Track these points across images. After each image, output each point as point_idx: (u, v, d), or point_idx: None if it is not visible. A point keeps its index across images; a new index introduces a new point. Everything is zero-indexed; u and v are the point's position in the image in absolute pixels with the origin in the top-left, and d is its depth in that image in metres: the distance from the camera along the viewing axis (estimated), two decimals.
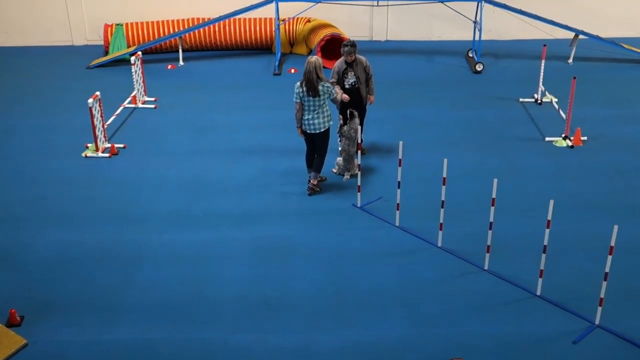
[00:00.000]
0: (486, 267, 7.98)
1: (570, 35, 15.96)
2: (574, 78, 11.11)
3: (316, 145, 9.64)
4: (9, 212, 9.44)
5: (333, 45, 15.28)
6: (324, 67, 15.11)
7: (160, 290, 7.72)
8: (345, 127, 10.03)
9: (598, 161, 10.72)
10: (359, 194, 9.43)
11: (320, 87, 9.21)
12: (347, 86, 10.39)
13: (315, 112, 9.37)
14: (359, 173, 9.35)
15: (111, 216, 9.29)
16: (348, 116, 10.01)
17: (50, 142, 11.70)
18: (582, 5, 17.56)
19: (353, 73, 10.34)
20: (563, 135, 11.41)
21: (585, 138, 11.38)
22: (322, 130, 9.48)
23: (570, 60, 15.92)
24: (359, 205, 9.43)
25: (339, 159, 10.31)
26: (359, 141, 9.37)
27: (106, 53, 16.68)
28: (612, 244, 6.61)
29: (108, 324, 7.19)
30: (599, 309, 6.98)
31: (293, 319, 7.24)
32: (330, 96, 9.38)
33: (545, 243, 7.25)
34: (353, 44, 10.24)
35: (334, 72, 10.42)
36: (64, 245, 8.59)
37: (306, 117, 9.40)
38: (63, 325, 7.15)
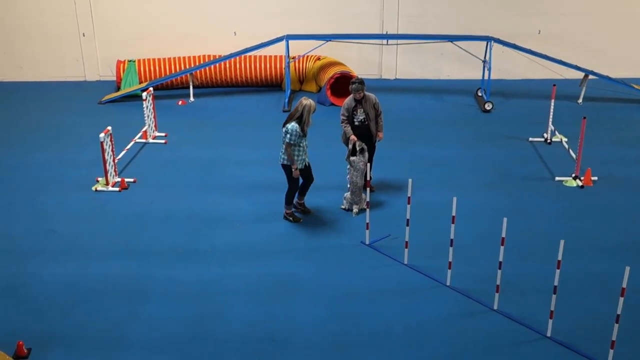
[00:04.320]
0: (495, 307, 7.90)
1: (580, 75, 16.02)
2: (584, 118, 11.11)
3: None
4: (18, 244, 9.45)
5: (342, 83, 15.38)
6: (332, 104, 15.26)
7: (165, 325, 7.66)
8: (354, 158, 10.05)
9: (608, 201, 10.66)
10: (367, 231, 9.39)
11: (287, 125, 9.54)
12: (356, 123, 10.43)
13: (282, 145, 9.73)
14: (368, 210, 9.32)
15: (119, 250, 9.28)
16: (357, 149, 10.05)
17: (62, 175, 11.76)
18: (591, 46, 17.66)
19: (362, 110, 10.39)
20: (573, 175, 11.38)
21: (595, 178, 11.34)
22: (280, 162, 9.81)
23: (580, 100, 15.95)
24: (367, 242, 9.39)
25: (347, 194, 10.30)
26: (368, 178, 9.36)
27: (118, 88, 16.84)
28: (624, 285, 6.53)
29: (112, 358, 7.12)
30: (611, 351, 6.88)
31: (299, 357, 7.16)
32: (286, 139, 9.52)
33: (556, 283, 7.17)
34: (361, 82, 10.31)
35: (343, 109, 10.48)
36: (72, 278, 8.57)
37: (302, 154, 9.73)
38: (69, 359, 7.10)
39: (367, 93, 10.46)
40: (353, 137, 10.30)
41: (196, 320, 7.76)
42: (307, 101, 9.49)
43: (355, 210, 10.17)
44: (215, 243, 9.46)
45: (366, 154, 10.15)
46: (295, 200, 10.20)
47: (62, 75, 18.19)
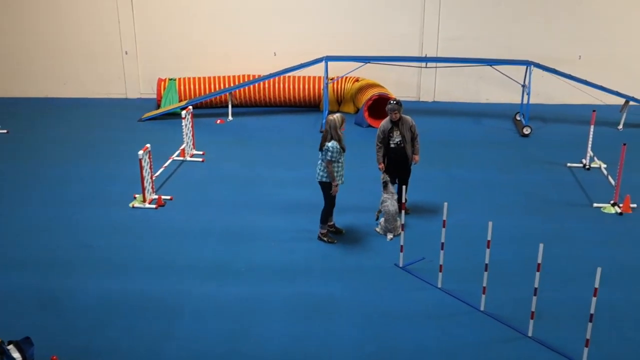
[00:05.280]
0: (530, 334, 7.81)
1: (621, 101, 15.84)
2: (624, 144, 10.98)
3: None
4: (56, 257, 9.61)
5: (380, 105, 15.41)
6: (370, 126, 15.29)
7: (199, 343, 7.71)
8: (384, 197, 10.14)
9: None
10: (401, 253, 9.37)
11: (327, 144, 9.55)
12: (392, 145, 10.45)
13: (319, 163, 9.73)
14: (402, 233, 9.30)
15: (155, 266, 9.38)
16: (383, 184, 10.16)
17: (101, 191, 11.95)
18: (633, 71, 17.46)
19: (399, 132, 10.41)
20: (612, 202, 11.23)
21: (634, 205, 11.17)
22: (318, 179, 9.80)
23: (621, 126, 15.76)
24: (401, 265, 9.37)
25: (381, 220, 10.31)
26: (403, 201, 9.35)
27: (158, 106, 17.08)
28: None
29: None
30: None
31: None
32: (327, 157, 9.55)
33: (592, 311, 7.07)
34: (398, 103, 10.34)
35: (379, 131, 10.51)
36: (108, 293, 8.68)
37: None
38: None
39: (404, 115, 10.48)
40: (381, 166, 10.42)
41: (230, 338, 7.80)
42: (331, 117, 9.60)
43: (390, 236, 10.16)
44: (250, 261, 9.52)
45: (390, 187, 10.22)
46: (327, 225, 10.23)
47: (104, 92, 18.52)
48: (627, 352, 7.54)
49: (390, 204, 10.13)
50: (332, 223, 10.26)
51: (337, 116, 9.62)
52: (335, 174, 9.63)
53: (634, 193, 11.36)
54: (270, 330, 7.94)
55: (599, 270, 6.87)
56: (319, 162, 9.71)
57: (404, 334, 7.88)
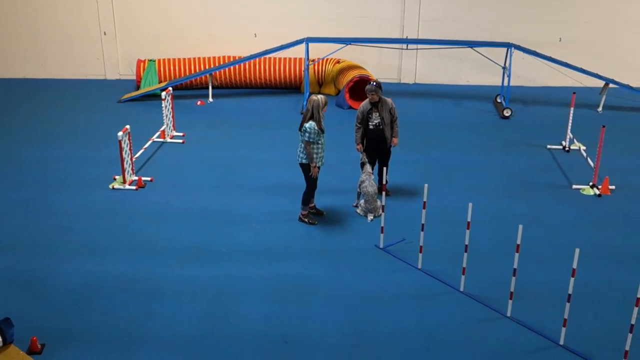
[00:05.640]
0: (509, 314, 7.87)
1: (600, 83, 15.93)
2: (604, 126, 11.05)
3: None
4: (35, 240, 9.54)
5: (361, 87, 15.39)
6: (351, 107, 15.27)
7: (180, 324, 7.70)
8: (363, 178, 10.15)
9: (626, 211, 10.59)
10: (381, 234, 9.40)
11: (304, 124, 9.53)
12: (371, 127, 10.44)
13: (300, 145, 9.72)
14: (383, 214, 9.32)
15: (135, 248, 9.34)
16: (360, 164, 10.23)
17: (80, 173, 11.86)
18: (612, 55, 17.57)
19: (378, 114, 10.40)
20: (591, 183, 11.32)
21: (613, 187, 11.27)
22: (298, 161, 9.79)
23: (600, 109, 15.86)
24: (381, 246, 9.39)
25: (362, 201, 10.32)
26: (384, 182, 9.36)
27: (138, 88, 16.96)
28: (639, 295, 6.49)
29: (126, 356, 7.17)
30: None
31: (311, 358, 7.17)
32: (305, 138, 9.53)
33: (570, 292, 7.13)
34: (377, 84, 10.32)
35: (358, 112, 10.50)
36: (87, 275, 8.64)
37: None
38: (82, 355, 7.14)
39: (383, 97, 10.46)
40: (359, 147, 10.42)
41: (210, 319, 7.79)
42: (314, 97, 9.53)
43: (370, 217, 10.17)
44: (230, 243, 9.50)
45: (367, 167, 10.24)
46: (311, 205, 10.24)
47: (83, 74, 18.36)
48: (604, 331, 7.62)
49: (369, 185, 10.13)
50: (313, 204, 10.25)
51: (320, 97, 9.56)
52: (315, 156, 9.61)
53: (612, 175, 11.46)
54: (250, 312, 7.94)
55: (577, 251, 6.93)
56: (300, 144, 9.69)
57: (384, 315, 7.91)
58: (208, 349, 7.30)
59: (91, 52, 18.16)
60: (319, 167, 9.73)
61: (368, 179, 10.19)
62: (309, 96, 9.62)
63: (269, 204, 10.69)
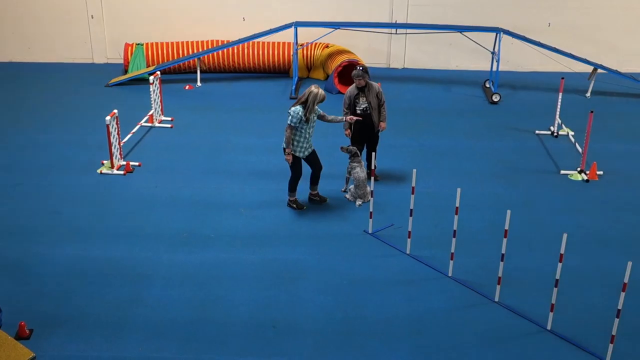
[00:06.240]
0: (496, 299, 7.91)
1: (589, 69, 15.95)
2: (592, 112, 11.08)
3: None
4: (23, 225, 9.50)
5: (350, 72, 15.32)
6: (339, 92, 15.24)
7: (168, 309, 7.70)
8: (353, 165, 10.19)
9: (613, 196, 10.65)
10: (370, 220, 9.41)
11: (291, 107, 9.52)
12: (358, 111, 10.43)
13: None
14: (372, 199, 9.32)
15: (123, 233, 9.31)
16: (347, 152, 10.31)
17: (67, 157, 11.80)
18: (601, 40, 17.57)
19: (365, 99, 10.38)
20: (579, 169, 11.36)
21: (601, 172, 11.32)
22: (283, 146, 9.74)
23: (589, 94, 15.89)
24: (370, 231, 9.41)
25: (352, 187, 10.32)
26: (372, 167, 9.35)
27: (125, 72, 16.85)
28: (626, 280, 6.53)
29: (115, 341, 7.17)
30: (610, 346, 6.88)
31: (300, 343, 7.20)
32: (287, 120, 9.48)
33: (558, 277, 7.18)
34: (364, 69, 10.29)
35: (345, 97, 10.49)
36: (76, 260, 8.62)
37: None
38: (71, 340, 7.14)
39: (370, 82, 10.45)
40: (347, 132, 10.45)
41: (199, 305, 7.80)
42: (316, 89, 9.42)
43: (359, 202, 10.18)
44: (219, 228, 9.49)
45: (358, 157, 10.27)
46: (309, 191, 10.20)
47: (70, 57, 18.20)
48: (591, 316, 7.68)
49: (360, 170, 10.14)
50: (316, 192, 10.22)
51: (322, 92, 9.44)
52: (296, 144, 9.55)
53: (600, 160, 11.51)
54: (238, 297, 7.94)
55: (564, 236, 6.96)
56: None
57: (373, 300, 7.94)
58: (196, 334, 7.31)
59: (78, 35, 18.00)
60: (298, 157, 9.67)
61: (359, 165, 10.19)
62: (311, 85, 9.51)
63: (258, 189, 10.67)
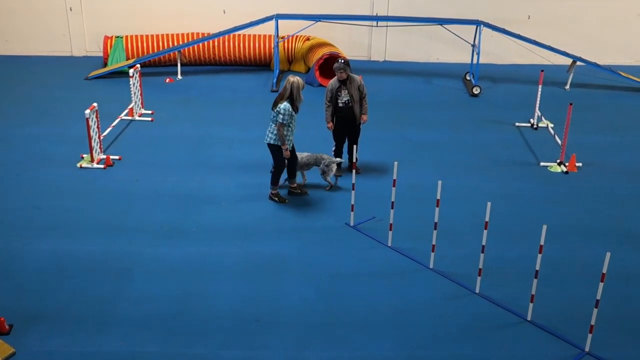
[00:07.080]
0: (477, 291, 7.97)
1: (568, 61, 16.06)
2: (571, 104, 11.17)
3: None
4: (2, 219, 9.41)
5: (331, 64, 15.31)
6: (321, 85, 15.22)
7: (150, 303, 7.68)
8: (328, 164, 10.28)
9: (592, 188, 10.75)
10: (352, 213, 9.43)
11: (279, 105, 9.47)
12: (340, 104, 10.45)
13: (270, 124, 9.67)
14: (353, 192, 9.33)
15: (104, 227, 9.26)
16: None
17: (46, 151, 11.71)
18: (580, 32, 17.70)
19: (347, 91, 10.40)
20: (558, 160, 11.45)
21: (580, 164, 11.42)
22: (267, 141, 9.74)
23: (568, 87, 16.01)
24: (351, 224, 9.43)
25: (330, 177, 10.36)
26: (354, 160, 9.36)
27: (105, 65, 16.73)
28: (604, 271, 6.61)
29: (97, 335, 7.14)
30: (589, 336, 6.97)
31: (283, 336, 7.21)
32: (279, 119, 9.44)
33: (537, 268, 7.25)
34: (345, 62, 10.32)
35: (327, 90, 10.50)
36: (56, 255, 8.56)
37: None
38: (52, 336, 7.10)
39: (352, 74, 10.47)
40: (330, 125, 10.51)
41: (181, 298, 7.78)
42: (294, 78, 9.47)
43: (333, 173, 10.37)
44: (201, 222, 9.47)
45: (334, 167, 10.44)
46: (287, 184, 10.21)
47: (48, 50, 18.04)
48: (570, 307, 7.75)
49: (328, 157, 10.33)
50: (295, 184, 10.23)
51: (299, 78, 9.51)
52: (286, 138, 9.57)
53: (579, 152, 11.61)
54: (221, 291, 7.94)
55: (544, 227, 7.02)
56: (271, 123, 9.64)
57: (355, 292, 7.97)
58: (179, 327, 7.30)
59: (57, 28, 17.84)
60: (288, 150, 9.70)
61: (329, 158, 10.25)
62: (287, 77, 9.53)
63: (240, 182, 10.66)
